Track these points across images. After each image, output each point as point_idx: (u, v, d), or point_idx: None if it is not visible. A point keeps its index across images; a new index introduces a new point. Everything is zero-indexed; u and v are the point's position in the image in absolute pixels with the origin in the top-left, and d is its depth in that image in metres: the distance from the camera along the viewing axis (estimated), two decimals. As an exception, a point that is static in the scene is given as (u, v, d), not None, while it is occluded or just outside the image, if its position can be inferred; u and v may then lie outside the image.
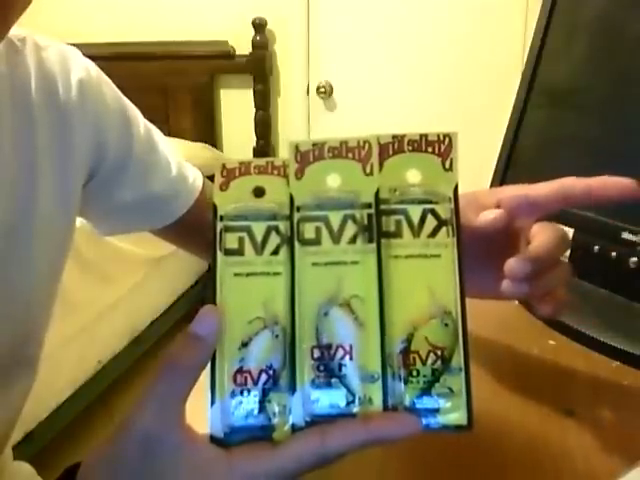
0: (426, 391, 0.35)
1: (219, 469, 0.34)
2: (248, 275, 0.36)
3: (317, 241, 0.35)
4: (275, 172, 0.37)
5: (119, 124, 0.62)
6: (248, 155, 2.68)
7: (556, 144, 0.74)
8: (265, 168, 0.37)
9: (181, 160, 0.70)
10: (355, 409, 0.34)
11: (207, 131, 2.72)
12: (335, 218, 0.35)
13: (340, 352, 0.34)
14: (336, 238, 0.35)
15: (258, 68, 2.61)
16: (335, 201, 0.36)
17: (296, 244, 0.36)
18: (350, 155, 0.36)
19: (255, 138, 2.68)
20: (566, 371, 0.61)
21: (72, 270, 0.66)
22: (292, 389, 0.35)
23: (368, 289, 0.35)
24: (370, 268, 0.35)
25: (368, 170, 0.36)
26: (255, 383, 0.35)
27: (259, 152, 2.69)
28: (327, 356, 0.34)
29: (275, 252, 0.36)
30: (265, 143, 2.69)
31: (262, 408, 0.35)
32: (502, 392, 0.58)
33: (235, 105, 2.74)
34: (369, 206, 0.36)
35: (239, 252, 0.36)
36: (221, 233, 0.36)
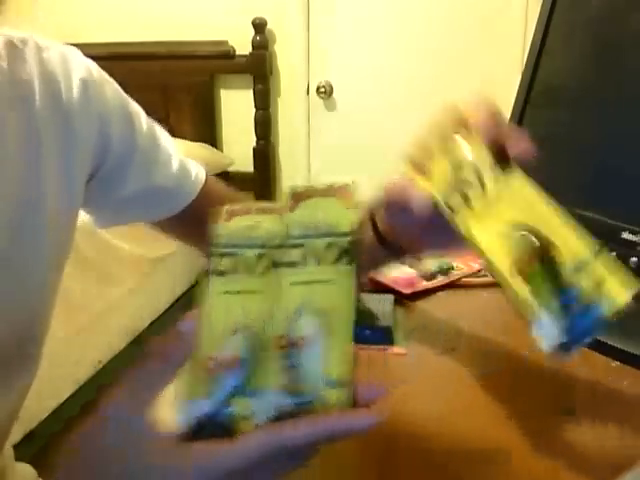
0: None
1: (178, 456, 0.35)
2: (235, 293, 0.40)
3: (302, 263, 0.40)
4: (272, 213, 0.43)
5: (121, 120, 0.63)
6: (248, 155, 2.68)
7: (556, 143, 0.74)
8: (264, 210, 0.43)
9: (183, 156, 0.71)
10: (317, 408, 0.36)
11: (207, 131, 2.72)
12: (318, 245, 0.41)
13: (306, 344, 0.37)
14: (318, 261, 0.40)
15: (258, 68, 2.61)
16: (320, 231, 0.41)
17: (284, 267, 0.41)
18: (335, 194, 0.43)
19: (255, 138, 2.68)
20: (566, 371, 0.61)
21: (72, 270, 0.66)
22: (258, 391, 0.37)
23: (343, 304, 0.39)
24: (347, 286, 0.39)
25: (349, 206, 0.42)
26: (223, 377, 0.37)
27: (259, 152, 2.69)
28: (294, 346, 0.37)
29: (264, 274, 0.41)
30: (265, 143, 2.69)
31: (227, 409, 0.36)
32: (503, 392, 0.59)
33: (235, 105, 2.74)
34: (349, 234, 0.41)
35: (231, 273, 0.41)
36: (217, 257, 0.41)
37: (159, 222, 0.71)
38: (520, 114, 0.76)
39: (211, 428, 0.36)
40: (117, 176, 0.64)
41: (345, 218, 0.42)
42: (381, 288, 0.80)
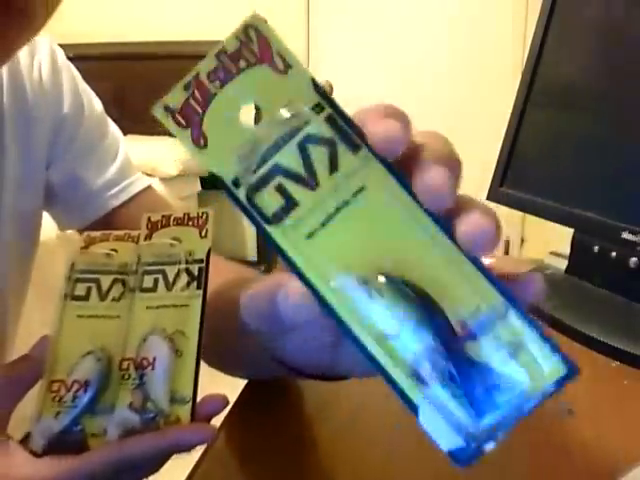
0: None
1: (27, 470, 0.37)
2: (88, 317, 0.43)
3: (154, 289, 0.43)
4: (129, 241, 0.46)
5: (73, 105, 0.61)
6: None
7: (556, 144, 0.74)
8: (122, 237, 0.46)
9: (130, 165, 0.66)
10: (162, 424, 0.39)
11: (207, 131, 2.71)
12: (171, 271, 0.43)
13: (154, 364, 0.40)
14: (170, 286, 0.43)
15: (258, 68, 2.61)
16: (173, 258, 0.44)
17: (137, 292, 0.43)
18: (190, 223, 0.45)
19: (255, 138, 2.68)
20: (566, 371, 0.61)
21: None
22: (108, 409, 0.40)
23: (191, 326, 0.41)
24: (195, 309, 0.42)
25: (203, 234, 0.45)
26: (72, 398, 0.40)
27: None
28: (142, 367, 0.40)
29: (117, 299, 0.43)
30: (265, 143, 2.69)
31: (76, 428, 0.39)
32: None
33: (235, 105, 2.74)
34: (201, 261, 0.44)
35: (85, 298, 0.44)
36: (72, 282, 0.44)
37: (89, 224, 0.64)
38: (520, 114, 0.76)
39: (62, 446, 0.39)
40: (56, 158, 0.61)
41: (198, 246, 0.44)
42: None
